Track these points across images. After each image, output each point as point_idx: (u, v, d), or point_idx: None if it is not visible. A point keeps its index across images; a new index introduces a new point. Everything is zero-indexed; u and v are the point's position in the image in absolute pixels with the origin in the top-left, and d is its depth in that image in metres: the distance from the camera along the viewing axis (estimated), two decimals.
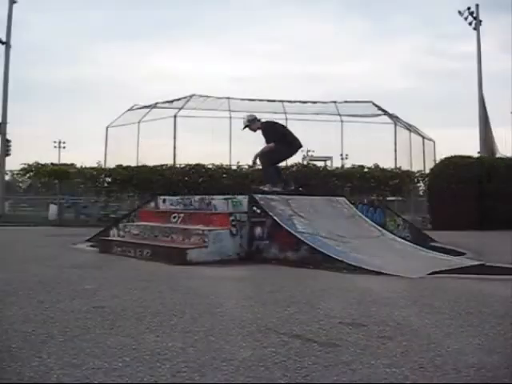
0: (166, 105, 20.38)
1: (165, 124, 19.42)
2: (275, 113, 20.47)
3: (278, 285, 5.14)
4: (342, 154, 21.43)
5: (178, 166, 18.57)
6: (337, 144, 20.86)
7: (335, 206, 9.01)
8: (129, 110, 21.34)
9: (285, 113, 20.62)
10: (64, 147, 56.84)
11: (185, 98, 20.11)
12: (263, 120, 10.13)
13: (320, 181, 17.27)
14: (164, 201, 9.51)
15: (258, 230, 7.51)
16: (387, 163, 19.29)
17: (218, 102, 20.53)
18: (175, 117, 19.16)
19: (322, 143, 22.72)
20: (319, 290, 4.83)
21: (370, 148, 20.76)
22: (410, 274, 5.67)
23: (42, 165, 19.39)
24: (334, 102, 21.24)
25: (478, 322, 3.51)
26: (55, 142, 57.04)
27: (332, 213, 8.61)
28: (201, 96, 20.45)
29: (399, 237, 8.85)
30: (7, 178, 22.24)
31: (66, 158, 45.01)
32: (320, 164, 20.72)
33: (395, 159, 20.02)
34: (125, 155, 19.26)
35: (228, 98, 20.95)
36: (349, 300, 4.28)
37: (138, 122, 20.30)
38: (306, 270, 6.20)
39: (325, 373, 2.46)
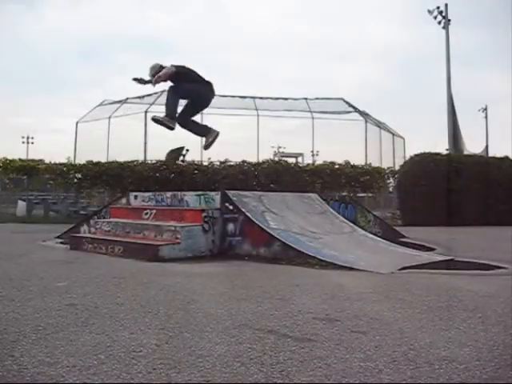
0: (137, 100, 20.20)
1: (136, 119, 19.26)
2: (247, 109, 20.52)
3: (252, 281, 5.15)
4: (312, 151, 21.57)
5: (149, 161, 18.41)
6: (308, 140, 21.00)
7: (307, 203, 9.09)
8: (99, 105, 21.13)
9: (256, 109, 20.64)
10: (32, 142, 55.89)
11: (156, 93, 19.95)
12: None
13: (291, 177, 17.28)
14: (136, 197, 9.47)
15: (231, 226, 7.52)
16: (358, 160, 19.44)
17: None
18: (146, 112, 18.99)
19: (293, 139, 22.83)
20: (292, 285, 4.85)
21: (340, 144, 20.97)
22: (382, 270, 5.75)
23: (10, 160, 19.03)
24: (305, 98, 21.35)
25: (448, 315, 3.58)
26: (23, 137, 56.09)
27: (304, 209, 8.68)
28: None
29: (370, 232, 8.97)
30: None
31: (36, 153, 44.10)
32: (291, 160, 20.79)
33: (366, 156, 20.23)
34: (95, 151, 19.04)
35: None
36: (322, 295, 4.31)
37: (109, 118, 20.10)
38: (278, 266, 6.22)
39: (300, 368, 2.48)
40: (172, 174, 17.48)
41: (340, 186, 17.98)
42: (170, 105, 8.23)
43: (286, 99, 21.37)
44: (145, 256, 6.81)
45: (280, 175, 17.35)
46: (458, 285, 4.86)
